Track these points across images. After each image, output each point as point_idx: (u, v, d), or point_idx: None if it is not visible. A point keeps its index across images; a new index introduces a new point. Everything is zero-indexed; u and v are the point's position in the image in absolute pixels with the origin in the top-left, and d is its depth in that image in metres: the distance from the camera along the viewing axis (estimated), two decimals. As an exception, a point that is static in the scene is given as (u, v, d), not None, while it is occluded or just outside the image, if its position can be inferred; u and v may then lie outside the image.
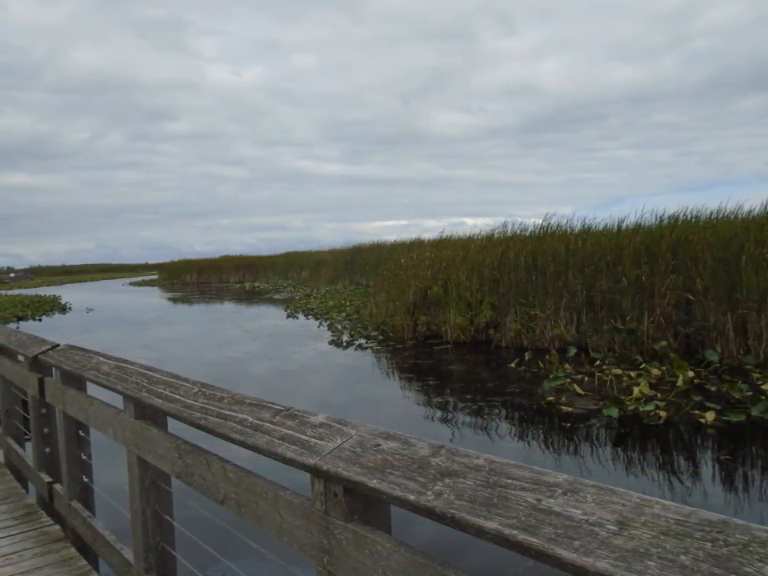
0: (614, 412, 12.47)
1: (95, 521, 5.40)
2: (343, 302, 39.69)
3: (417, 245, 35.77)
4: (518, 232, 25.69)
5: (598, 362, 16.92)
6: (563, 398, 13.94)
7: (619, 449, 11.23)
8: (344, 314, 33.45)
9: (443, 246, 29.04)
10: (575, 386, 14.76)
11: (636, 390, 13.53)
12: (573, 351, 18.15)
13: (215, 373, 18.85)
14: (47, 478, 6.52)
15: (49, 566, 5.15)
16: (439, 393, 15.92)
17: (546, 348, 19.66)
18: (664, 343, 17.45)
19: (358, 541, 2.37)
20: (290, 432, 2.77)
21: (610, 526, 1.60)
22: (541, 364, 17.32)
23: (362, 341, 24.73)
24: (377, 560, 2.27)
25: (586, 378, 15.52)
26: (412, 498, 2.05)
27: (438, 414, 13.84)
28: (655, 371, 15.50)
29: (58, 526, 6.03)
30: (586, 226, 23.81)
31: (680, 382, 13.99)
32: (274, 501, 2.88)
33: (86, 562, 5.24)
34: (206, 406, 3.41)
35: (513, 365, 18.08)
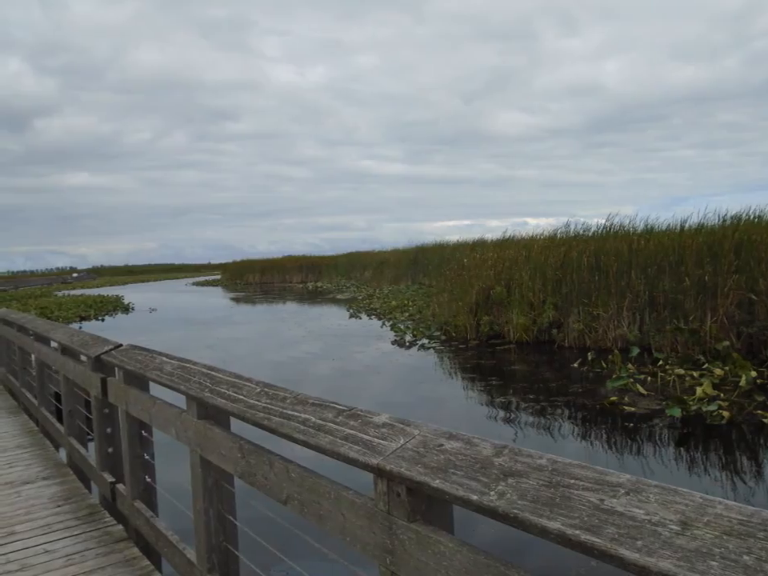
0: (677, 412, 12.37)
1: (158, 521, 5.45)
2: (406, 301, 39.52)
3: (479, 245, 35.53)
4: (581, 232, 25.76)
5: (660, 362, 16.83)
6: (626, 398, 13.87)
7: (682, 449, 11.16)
8: (407, 314, 33.40)
9: (506, 246, 28.91)
10: (638, 386, 14.67)
11: (699, 390, 13.43)
12: (635, 351, 17.98)
13: (278, 373, 19.00)
14: (110, 478, 6.59)
15: (112, 566, 5.22)
16: (502, 393, 15.91)
17: (609, 348, 19.59)
18: (727, 343, 17.25)
19: (420, 541, 2.37)
20: (353, 432, 2.79)
21: (672, 526, 1.59)
22: (604, 364, 17.23)
23: (425, 341, 24.75)
24: (439, 560, 2.28)
25: (649, 378, 15.41)
26: (475, 498, 2.06)
27: (501, 414, 13.85)
28: (718, 371, 15.36)
29: (120, 526, 6.10)
30: (648, 226, 23.74)
31: (743, 382, 13.87)
32: (336, 501, 2.89)
33: (148, 562, 5.30)
34: (269, 406, 3.44)
35: (575, 365, 18.01)
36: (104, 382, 6.42)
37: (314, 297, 57.70)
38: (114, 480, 6.55)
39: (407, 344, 24.48)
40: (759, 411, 12.20)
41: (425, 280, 50.64)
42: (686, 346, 18.38)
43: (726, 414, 12.14)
